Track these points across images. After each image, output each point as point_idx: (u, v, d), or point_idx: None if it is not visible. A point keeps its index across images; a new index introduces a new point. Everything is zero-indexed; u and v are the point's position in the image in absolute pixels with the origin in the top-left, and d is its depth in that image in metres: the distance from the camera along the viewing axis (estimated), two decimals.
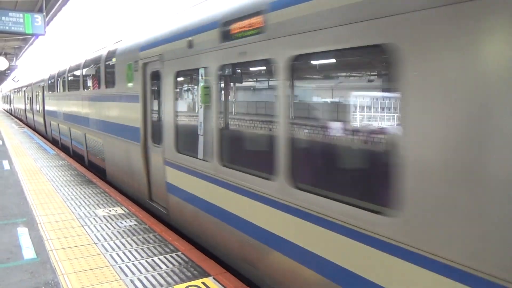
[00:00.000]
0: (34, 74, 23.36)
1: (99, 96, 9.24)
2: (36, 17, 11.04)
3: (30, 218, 5.99)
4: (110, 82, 8.30)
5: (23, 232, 5.38)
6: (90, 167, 10.47)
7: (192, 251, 4.79)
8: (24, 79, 31.56)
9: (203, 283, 4.00)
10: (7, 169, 9.94)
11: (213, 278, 4.09)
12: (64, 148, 14.30)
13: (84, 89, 10.63)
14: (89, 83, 10.46)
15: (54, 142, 16.27)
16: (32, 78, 23.61)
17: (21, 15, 10.81)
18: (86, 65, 10.34)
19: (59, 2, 13.75)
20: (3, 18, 10.56)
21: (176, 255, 4.68)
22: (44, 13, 11.30)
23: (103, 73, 8.79)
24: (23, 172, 9.57)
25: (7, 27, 10.66)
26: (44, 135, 19.07)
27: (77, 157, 12.15)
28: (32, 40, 22.80)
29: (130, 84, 7.10)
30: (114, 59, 8.03)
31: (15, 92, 37.77)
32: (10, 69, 28.04)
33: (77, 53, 12.35)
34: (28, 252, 4.72)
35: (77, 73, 11.29)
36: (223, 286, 3.94)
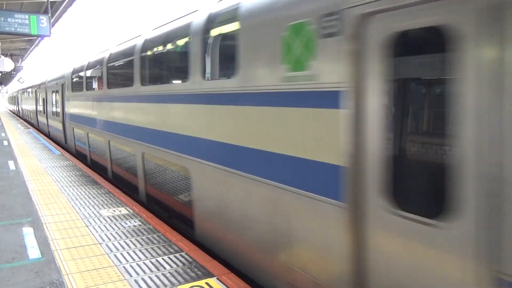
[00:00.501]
0: (48, 70, 19.84)
1: (182, 95, 5.36)
2: (41, 18, 11.12)
3: (35, 218, 6.03)
4: (218, 69, 4.87)
5: (28, 232, 5.42)
6: (149, 204, 7.06)
7: (196, 252, 4.80)
8: (35, 77, 27.45)
9: (207, 283, 4.00)
10: (13, 170, 10.01)
11: (217, 278, 4.10)
12: (95, 166, 10.57)
13: (142, 84, 6.79)
14: (155, 75, 6.99)
15: (79, 155, 12.41)
16: (45, 75, 19.68)
17: (26, 16, 10.89)
18: (147, 46, 6.73)
19: (64, 3, 13.86)
20: (9, 19, 10.64)
21: (180, 255, 4.69)
22: (49, 15, 11.38)
23: (197, 54, 4.88)
24: (28, 173, 9.63)
25: (13, 29, 10.74)
26: (62, 145, 15.09)
27: (121, 182, 8.53)
28: (37, 41, 23.00)
29: (293, 69, 3.39)
30: (230, 26, 4.55)
31: (23, 92, 34.01)
32: (16, 70, 28.27)
33: (122, 32, 8.36)
34: (33, 251, 4.75)
35: (127, 61, 7.64)
36: (226, 286, 3.94)
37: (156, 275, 4.16)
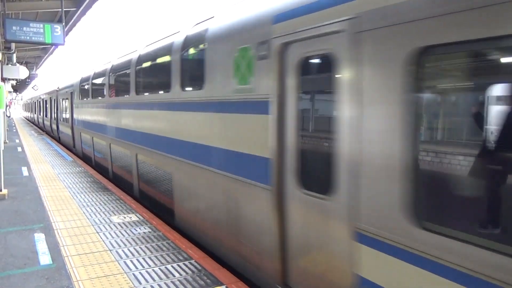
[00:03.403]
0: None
1: None
2: (55, 27, 11.33)
3: (47, 224, 6.09)
4: None
5: (39, 238, 5.47)
6: None
7: (205, 259, 4.79)
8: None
9: None
10: (26, 176, 10.16)
11: (226, 287, 4.07)
12: None
13: None
14: None
15: None
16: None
17: (41, 25, 11.11)
18: None
19: (78, 13, 14.12)
20: (25, 28, 10.87)
21: (190, 263, 4.68)
22: (63, 24, 11.59)
23: None
24: (41, 179, 9.76)
25: (28, 37, 10.96)
26: None
27: None
28: (51, 49, 23.45)
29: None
30: None
31: (79, 89, 13.66)
32: (31, 77, 28.81)
33: None
34: (44, 258, 4.79)
35: None
36: None
37: (165, 283, 4.16)
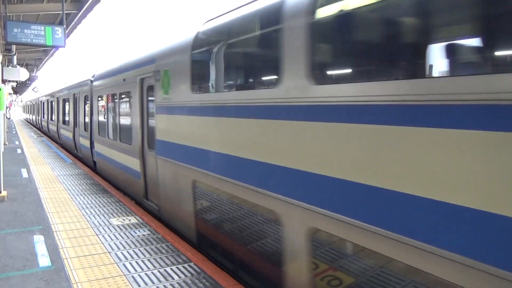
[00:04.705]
0: None
1: None
2: (56, 29, 11.36)
3: (46, 226, 6.09)
4: None
5: (39, 240, 5.47)
6: None
7: (205, 262, 4.79)
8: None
9: None
10: (25, 177, 10.15)
11: None
12: None
13: None
14: None
15: None
16: None
17: (42, 27, 11.15)
18: None
19: (79, 15, 14.17)
20: (26, 30, 10.91)
21: (189, 265, 4.68)
22: (64, 26, 11.62)
23: None
24: (40, 181, 9.76)
25: (29, 39, 10.99)
26: None
27: None
28: (52, 51, 23.50)
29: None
30: None
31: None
32: (31, 79, 28.84)
33: None
34: (44, 260, 4.79)
35: None
36: None
37: (164, 285, 4.15)
